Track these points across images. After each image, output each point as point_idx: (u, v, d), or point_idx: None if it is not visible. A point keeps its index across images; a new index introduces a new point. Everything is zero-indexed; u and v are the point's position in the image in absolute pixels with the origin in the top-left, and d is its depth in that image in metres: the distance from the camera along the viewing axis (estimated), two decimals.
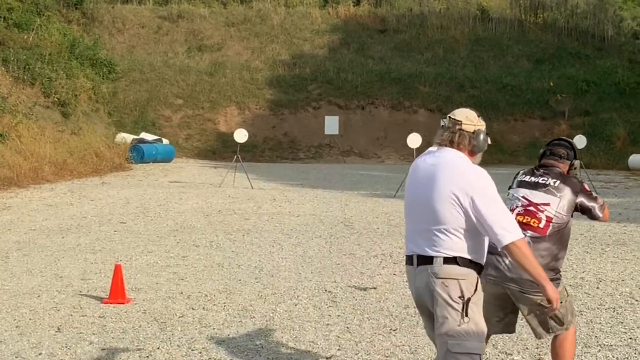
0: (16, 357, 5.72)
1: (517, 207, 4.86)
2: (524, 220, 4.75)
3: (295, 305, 7.48)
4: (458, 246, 3.79)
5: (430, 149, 4.09)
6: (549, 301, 3.89)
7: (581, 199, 4.88)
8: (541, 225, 4.76)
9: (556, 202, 4.82)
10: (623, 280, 8.94)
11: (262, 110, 37.88)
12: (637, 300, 7.88)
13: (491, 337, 5.11)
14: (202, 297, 7.74)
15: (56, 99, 28.41)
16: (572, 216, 4.92)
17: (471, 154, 3.96)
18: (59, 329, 6.48)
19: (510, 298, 4.76)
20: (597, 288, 8.43)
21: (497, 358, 5.87)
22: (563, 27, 44.14)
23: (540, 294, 4.70)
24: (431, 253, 3.81)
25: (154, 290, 7.99)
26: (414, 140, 20.06)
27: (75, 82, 31.09)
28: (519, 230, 3.79)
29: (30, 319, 6.77)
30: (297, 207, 16.35)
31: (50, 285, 8.19)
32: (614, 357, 5.95)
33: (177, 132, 35.97)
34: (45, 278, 8.54)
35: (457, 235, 3.78)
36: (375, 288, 8.29)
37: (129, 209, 15.38)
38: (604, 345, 6.24)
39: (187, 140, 35.77)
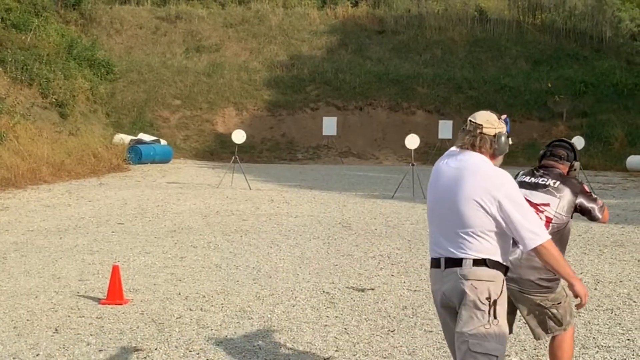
0: (14, 358, 5.71)
1: None
2: None
3: (293, 306, 7.47)
4: (486, 248, 3.82)
5: (451, 150, 4.12)
6: (579, 296, 3.90)
7: (581, 200, 4.88)
8: None
9: (556, 203, 4.83)
10: (621, 281, 8.94)
11: (260, 111, 37.87)
12: (634, 302, 7.88)
13: None
14: (199, 298, 7.74)
15: (54, 100, 28.38)
16: (571, 217, 4.92)
17: (493, 156, 4.00)
18: (56, 330, 6.47)
19: (509, 298, 4.75)
20: (595, 289, 8.43)
21: None
22: (561, 28, 44.16)
23: (540, 295, 4.70)
24: (460, 255, 3.83)
25: (152, 291, 7.98)
26: (412, 141, 20.06)
27: (73, 82, 31.07)
28: (546, 231, 3.83)
29: (27, 320, 6.76)
30: (295, 208, 16.34)
31: (47, 286, 8.18)
32: (611, 358, 5.95)
33: (175, 133, 35.94)
34: (43, 279, 8.53)
35: (485, 237, 3.81)
36: (373, 289, 8.29)
37: (126, 209, 15.37)
38: (602, 346, 6.24)
39: (185, 141, 35.75)
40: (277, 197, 18.61)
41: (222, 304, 7.51)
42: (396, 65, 40.73)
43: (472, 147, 3.97)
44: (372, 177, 26.57)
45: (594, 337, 6.48)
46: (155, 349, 5.96)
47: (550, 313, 4.84)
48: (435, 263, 3.99)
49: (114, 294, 7.40)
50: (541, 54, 42.25)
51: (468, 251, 3.81)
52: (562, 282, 4.72)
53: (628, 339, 6.46)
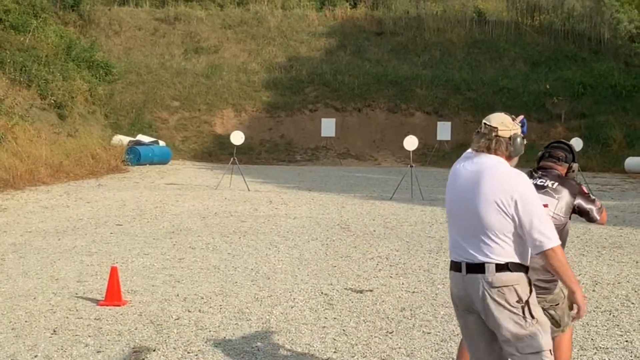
0: None
1: None
2: None
3: (292, 307, 7.47)
4: (507, 251, 3.83)
5: (467, 152, 4.14)
6: (578, 307, 3.88)
7: (579, 201, 4.89)
8: None
9: (554, 204, 4.83)
10: (619, 282, 8.95)
11: (259, 113, 37.88)
12: (633, 303, 7.88)
13: None
14: (198, 299, 7.74)
15: (52, 101, 28.38)
16: (570, 218, 4.92)
17: (508, 158, 4.01)
18: (54, 331, 6.47)
19: None
20: (593, 291, 8.44)
21: None
22: (559, 29, 44.20)
23: (538, 296, 4.70)
24: (481, 259, 3.84)
25: (150, 293, 7.98)
26: (411, 142, 20.07)
27: (71, 84, 31.07)
28: (557, 236, 3.83)
29: (26, 322, 6.76)
30: (294, 209, 16.34)
31: (46, 287, 8.17)
32: (610, 359, 5.95)
33: (173, 134, 35.95)
34: (41, 280, 8.52)
35: (506, 240, 3.82)
36: (371, 290, 8.29)
37: (125, 211, 15.36)
38: (600, 347, 6.24)
39: (183, 143, 35.75)
40: (275, 198, 18.61)
41: (220, 305, 7.51)
42: (395, 67, 40.75)
43: (488, 150, 3.99)
44: (370, 178, 26.58)
45: (592, 339, 6.49)
46: (154, 351, 5.96)
47: (548, 314, 4.84)
48: (455, 266, 4.00)
49: (112, 295, 7.40)
50: (539, 55, 42.29)
51: (490, 255, 3.82)
52: (560, 283, 4.73)
53: (626, 341, 6.46)
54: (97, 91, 34.44)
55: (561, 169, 5.06)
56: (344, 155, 36.04)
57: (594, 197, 5.03)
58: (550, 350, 3.86)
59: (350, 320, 7.01)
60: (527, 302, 3.82)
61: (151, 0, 46.10)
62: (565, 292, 4.32)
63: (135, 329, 6.58)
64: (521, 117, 4.22)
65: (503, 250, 3.82)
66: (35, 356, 5.78)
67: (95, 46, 37.50)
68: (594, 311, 7.45)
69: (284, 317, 7.09)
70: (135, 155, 29.07)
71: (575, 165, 5.15)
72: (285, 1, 47.40)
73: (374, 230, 13.23)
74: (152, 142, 32.03)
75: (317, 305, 7.56)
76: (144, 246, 11.03)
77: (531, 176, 5.03)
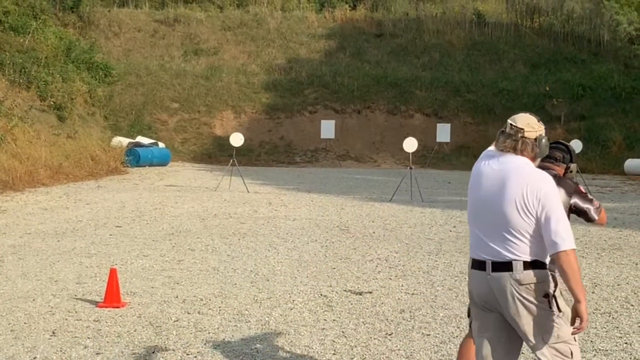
0: None
1: None
2: None
3: (291, 309, 7.47)
4: (533, 250, 3.88)
5: (489, 151, 4.19)
6: (581, 319, 3.88)
7: (575, 200, 4.88)
8: None
9: None
10: (619, 284, 8.95)
11: (258, 114, 37.89)
12: (632, 305, 7.88)
13: None
14: (197, 301, 7.73)
15: (52, 103, 28.39)
16: (569, 218, 4.91)
17: (533, 159, 4.05)
18: (53, 333, 6.46)
19: None
20: (593, 292, 8.43)
21: None
22: (559, 31, 44.22)
23: None
24: (509, 257, 3.88)
25: (149, 294, 7.97)
26: (410, 144, 20.08)
27: (71, 85, 31.08)
28: (573, 240, 3.86)
29: (25, 323, 6.75)
30: (293, 211, 16.34)
31: (45, 289, 8.17)
32: None
33: (173, 136, 35.95)
34: (40, 282, 8.52)
35: (530, 239, 3.88)
36: (371, 292, 8.28)
37: (124, 212, 15.36)
38: (600, 350, 6.24)
39: (183, 144, 35.76)
40: (275, 200, 18.61)
41: (219, 307, 7.50)
42: (394, 69, 40.77)
43: (514, 151, 4.01)
44: (370, 180, 26.58)
45: (591, 341, 6.48)
46: (153, 352, 5.96)
47: None
48: (478, 265, 4.02)
49: (112, 297, 7.39)
50: (539, 57, 42.30)
51: (517, 253, 3.87)
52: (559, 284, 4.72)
53: (626, 343, 6.46)
54: (97, 93, 34.45)
55: (559, 169, 5.05)
56: (343, 157, 36.05)
57: (591, 197, 5.02)
58: (574, 337, 3.96)
59: (350, 322, 7.00)
60: (553, 296, 3.90)
61: (151, 2, 46.14)
62: (565, 294, 4.31)
63: (135, 330, 6.58)
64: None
65: (529, 249, 3.87)
66: (34, 358, 5.77)
67: (94, 48, 37.52)
68: (594, 313, 7.45)
69: (283, 318, 7.09)
70: (134, 157, 29.07)
71: (573, 166, 5.14)
72: (284, 3, 47.42)
73: (374, 232, 13.23)
74: (151, 143, 32.03)
75: (317, 307, 7.56)
76: (143, 248, 11.02)
77: None
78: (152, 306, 7.46)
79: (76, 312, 7.20)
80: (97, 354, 5.91)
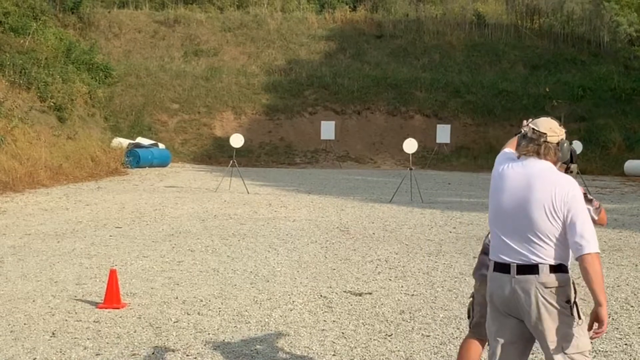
0: None
1: None
2: None
3: (291, 310, 7.46)
4: (558, 253, 3.91)
5: (509, 154, 4.23)
6: (601, 322, 3.90)
7: None
8: None
9: None
10: (619, 286, 8.94)
11: (258, 115, 37.90)
12: (632, 306, 7.88)
13: (487, 342, 5.08)
14: (197, 302, 7.73)
15: (52, 104, 28.38)
16: None
17: (555, 163, 4.09)
18: (53, 333, 6.46)
19: None
20: None
21: None
22: (559, 33, 44.25)
23: None
24: (534, 260, 3.90)
25: (149, 295, 7.97)
26: (410, 145, 20.08)
27: (71, 86, 31.08)
28: (597, 243, 3.87)
29: (25, 324, 6.75)
30: (293, 212, 16.34)
31: (45, 290, 8.17)
32: None
33: (173, 137, 35.96)
34: (40, 283, 8.51)
35: (556, 242, 3.90)
36: (370, 293, 8.28)
37: (124, 213, 15.36)
38: (600, 351, 6.24)
39: (183, 145, 35.76)
40: (275, 201, 18.60)
41: (219, 308, 7.50)
42: (394, 70, 40.78)
43: (537, 155, 4.04)
44: (370, 181, 26.58)
45: (591, 342, 6.47)
46: (153, 354, 5.96)
47: None
48: (502, 268, 4.02)
49: (112, 298, 7.39)
50: (539, 58, 42.33)
51: (543, 257, 3.89)
52: None
53: (626, 344, 6.46)
54: (97, 94, 34.46)
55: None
56: (343, 158, 36.05)
57: (591, 197, 5.02)
58: (589, 351, 3.99)
59: (350, 323, 7.00)
60: (575, 303, 3.91)
61: (151, 3, 46.18)
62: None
63: (134, 331, 6.58)
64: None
65: (554, 252, 3.89)
66: (34, 359, 5.77)
67: (94, 49, 37.53)
68: None
69: (283, 319, 7.09)
70: (134, 158, 29.08)
71: (573, 166, 5.14)
72: (284, 4, 47.48)
73: (374, 233, 13.23)
74: (151, 144, 32.04)
75: (316, 308, 7.55)
76: (143, 249, 11.02)
77: None
78: (152, 307, 7.46)
79: (76, 313, 7.20)
80: (96, 354, 5.91)
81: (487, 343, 5.01)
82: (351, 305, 7.72)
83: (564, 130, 4.11)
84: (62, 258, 10.11)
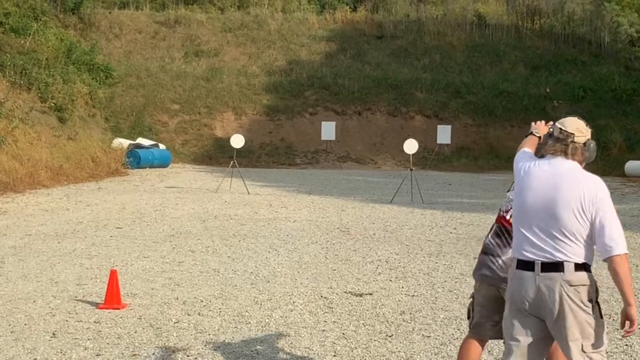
0: None
1: (512, 208, 4.85)
2: None
3: (291, 311, 7.46)
4: (583, 252, 3.95)
5: (527, 151, 4.33)
6: (631, 322, 3.91)
7: None
8: None
9: None
10: None
11: (259, 116, 37.90)
12: None
13: (487, 343, 5.09)
14: (197, 302, 7.73)
15: (53, 104, 28.39)
16: None
17: (581, 162, 4.14)
18: (54, 334, 6.46)
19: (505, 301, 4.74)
20: None
21: None
22: (560, 33, 44.25)
23: None
24: (560, 258, 3.92)
25: (150, 296, 7.97)
26: (411, 146, 20.08)
27: (72, 87, 31.09)
28: (625, 244, 3.92)
29: (25, 325, 6.75)
30: (294, 212, 16.34)
31: (45, 290, 8.17)
32: None
33: (173, 138, 35.96)
34: (40, 283, 8.52)
35: (582, 242, 3.94)
36: (371, 294, 8.28)
37: (125, 214, 15.36)
38: None
39: (183, 146, 35.76)
40: (275, 201, 18.60)
41: (220, 308, 7.50)
42: (395, 70, 40.78)
43: (564, 155, 4.08)
44: (370, 181, 26.58)
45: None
46: (153, 354, 5.96)
47: None
48: (526, 265, 4.03)
49: (112, 299, 7.39)
50: (540, 59, 42.33)
51: (569, 255, 3.92)
52: None
53: (626, 345, 6.46)
54: (98, 94, 34.47)
55: None
56: (344, 158, 36.06)
57: None
58: (606, 351, 4.02)
59: (350, 323, 7.00)
60: (597, 302, 3.95)
61: (151, 4, 46.19)
62: None
63: (135, 332, 6.58)
64: (550, 123, 4.29)
65: (580, 251, 3.93)
66: (35, 359, 5.77)
67: (95, 49, 37.54)
68: None
69: (283, 320, 7.09)
70: (135, 159, 29.09)
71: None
72: (285, 4, 47.49)
73: (374, 234, 13.23)
74: (152, 145, 32.04)
75: (317, 309, 7.55)
76: (144, 249, 11.02)
77: None
78: (152, 308, 7.46)
79: (76, 313, 7.20)
80: (97, 355, 5.91)
81: (485, 343, 5.02)
82: (352, 305, 7.72)
83: (590, 131, 4.12)
84: (62, 258, 10.11)
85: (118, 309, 7.32)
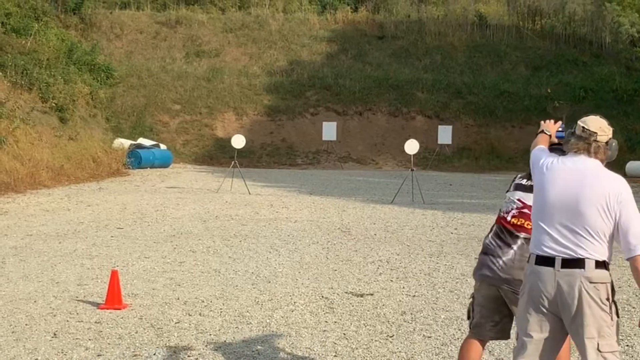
0: None
1: (512, 209, 4.85)
2: (519, 223, 4.75)
3: (292, 311, 7.47)
4: (604, 250, 3.97)
5: (544, 148, 4.37)
6: None
7: None
8: None
9: None
10: (620, 287, 8.92)
11: (260, 116, 37.90)
12: (634, 307, 7.88)
13: (487, 343, 5.09)
14: (198, 303, 7.73)
15: (54, 104, 28.40)
16: None
17: (602, 161, 4.12)
18: (55, 334, 6.47)
19: (505, 301, 4.74)
20: None
21: None
22: (561, 34, 44.22)
23: None
24: (581, 255, 3.93)
25: (151, 296, 7.98)
26: (412, 146, 20.08)
27: (73, 87, 31.10)
28: None
29: (26, 325, 6.75)
30: (295, 213, 16.34)
31: (46, 290, 8.17)
32: None
33: (174, 138, 35.97)
34: (41, 283, 8.52)
35: (603, 239, 3.96)
36: (372, 294, 8.28)
37: (126, 214, 15.36)
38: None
39: (184, 146, 35.77)
40: (276, 202, 18.61)
41: (221, 309, 7.50)
42: (396, 71, 40.77)
43: (587, 153, 4.09)
44: (371, 182, 26.58)
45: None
46: (154, 354, 5.96)
47: None
48: (544, 261, 4.03)
49: (113, 299, 7.39)
50: (541, 59, 42.30)
51: (591, 252, 3.93)
52: None
53: (627, 345, 6.46)
54: (99, 94, 34.48)
55: None
56: (345, 159, 36.06)
57: None
58: (618, 351, 4.02)
59: (351, 324, 7.00)
60: (614, 301, 3.96)
61: (152, 4, 46.18)
62: None
63: (136, 332, 6.58)
64: (559, 123, 4.30)
65: (601, 249, 3.95)
66: (36, 359, 5.77)
67: (96, 49, 37.55)
68: None
69: (284, 320, 7.09)
70: (136, 159, 29.10)
71: None
72: (286, 5, 47.47)
73: (375, 234, 13.23)
74: (153, 145, 32.05)
75: (318, 309, 7.56)
76: (145, 250, 11.03)
77: (529, 178, 5.02)
78: (153, 308, 7.46)
79: (77, 313, 7.20)
80: (98, 355, 5.91)
81: (486, 343, 5.02)
82: (352, 306, 7.72)
83: (611, 130, 4.14)
84: (63, 259, 10.12)
85: (119, 309, 7.32)
